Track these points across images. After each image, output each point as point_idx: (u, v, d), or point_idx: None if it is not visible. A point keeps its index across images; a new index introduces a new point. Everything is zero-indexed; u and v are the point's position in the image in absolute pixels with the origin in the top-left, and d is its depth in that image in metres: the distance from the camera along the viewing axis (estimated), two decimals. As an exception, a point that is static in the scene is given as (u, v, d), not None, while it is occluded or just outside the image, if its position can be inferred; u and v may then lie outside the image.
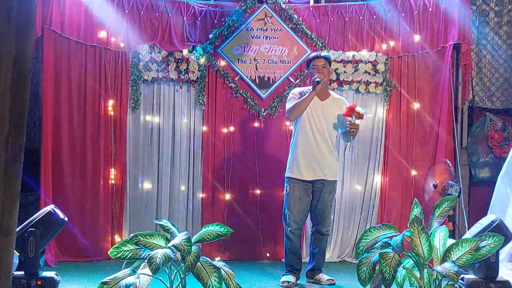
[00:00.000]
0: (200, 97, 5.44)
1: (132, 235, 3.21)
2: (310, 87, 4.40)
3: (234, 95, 5.52)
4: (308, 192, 4.45)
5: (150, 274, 2.98)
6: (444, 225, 3.42)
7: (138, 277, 3.17)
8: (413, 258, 3.26)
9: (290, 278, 4.38)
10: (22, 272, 3.53)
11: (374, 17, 5.56)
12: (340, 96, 4.70)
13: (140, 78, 5.37)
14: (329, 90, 4.65)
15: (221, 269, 3.18)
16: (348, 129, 4.33)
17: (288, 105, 4.46)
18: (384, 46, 5.55)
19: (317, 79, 4.32)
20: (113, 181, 5.31)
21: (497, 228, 3.50)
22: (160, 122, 5.47)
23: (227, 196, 5.47)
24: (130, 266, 3.25)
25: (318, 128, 4.41)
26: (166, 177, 5.45)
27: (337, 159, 4.56)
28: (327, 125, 4.43)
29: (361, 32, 5.57)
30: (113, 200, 5.31)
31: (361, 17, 5.56)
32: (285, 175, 4.51)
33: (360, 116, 4.31)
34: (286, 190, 4.48)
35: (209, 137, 5.47)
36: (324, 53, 4.67)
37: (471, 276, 3.55)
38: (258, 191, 5.47)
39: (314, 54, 4.67)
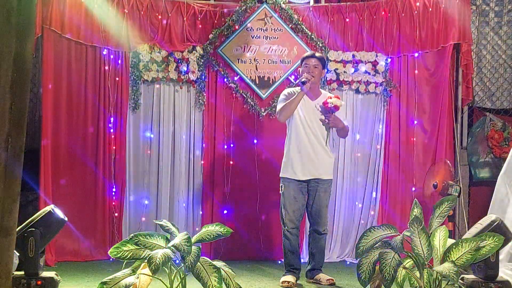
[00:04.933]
0: (200, 97, 5.44)
1: (132, 235, 3.21)
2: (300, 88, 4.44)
3: (234, 95, 5.52)
4: (303, 192, 4.47)
5: (150, 274, 2.98)
6: (444, 225, 3.42)
7: (138, 277, 3.17)
8: (413, 258, 3.26)
9: (290, 278, 4.38)
10: (22, 272, 3.53)
11: (374, 17, 5.56)
12: (331, 95, 4.71)
13: (140, 78, 5.37)
14: (321, 89, 4.67)
15: (221, 269, 3.18)
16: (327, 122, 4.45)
17: (278, 106, 4.51)
18: (384, 46, 5.55)
19: (303, 79, 4.38)
20: (113, 181, 5.31)
21: (497, 228, 3.50)
22: (160, 122, 5.46)
23: (227, 196, 5.46)
24: (130, 266, 3.25)
25: (310, 127, 4.44)
26: (166, 177, 5.45)
27: (332, 157, 4.57)
28: (318, 124, 4.46)
29: (361, 32, 5.57)
30: (113, 199, 5.31)
31: (361, 17, 5.55)
32: (280, 175, 4.53)
33: (336, 108, 4.39)
34: (281, 190, 4.51)
35: (209, 137, 5.47)
36: (318, 53, 4.69)
37: (471, 276, 3.55)
38: (257, 191, 5.47)
39: (308, 53, 4.73)
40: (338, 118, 4.46)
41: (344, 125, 4.54)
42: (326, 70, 5.03)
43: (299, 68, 4.64)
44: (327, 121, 4.43)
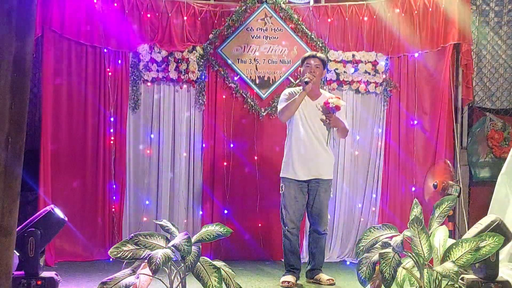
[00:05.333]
0: (200, 97, 5.44)
1: (132, 235, 3.21)
2: (301, 88, 4.44)
3: (234, 95, 5.52)
4: (304, 192, 4.47)
5: (150, 274, 2.99)
6: (444, 225, 3.42)
7: (138, 277, 3.17)
8: (413, 258, 3.26)
9: (290, 278, 4.39)
10: (22, 272, 3.53)
11: (374, 17, 5.56)
12: (331, 95, 4.71)
13: (140, 78, 5.37)
14: (321, 90, 4.68)
15: (221, 269, 3.18)
16: (327, 121, 4.45)
17: (280, 106, 4.52)
18: (384, 46, 5.55)
19: (305, 79, 4.38)
20: (113, 181, 5.30)
21: (497, 228, 3.50)
22: (160, 122, 5.46)
23: (227, 196, 5.46)
24: (130, 266, 3.25)
25: (311, 128, 4.45)
26: (166, 177, 5.45)
27: (332, 157, 4.58)
28: (319, 124, 4.46)
29: (361, 32, 5.57)
30: (113, 199, 5.31)
31: (361, 17, 5.55)
32: (280, 175, 4.54)
33: (337, 108, 4.40)
34: (282, 190, 4.51)
35: (209, 137, 5.47)
36: (319, 54, 4.69)
37: (471, 276, 3.55)
38: (257, 191, 5.47)
39: (309, 53, 4.75)
40: (338, 118, 4.47)
41: (345, 125, 4.55)
42: (326, 70, 5.04)
43: (299, 68, 4.64)
44: (328, 121, 4.44)
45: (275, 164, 5.09)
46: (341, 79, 5.53)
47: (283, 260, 4.61)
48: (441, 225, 3.40)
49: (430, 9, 5.52)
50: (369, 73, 5.55)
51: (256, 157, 5.49)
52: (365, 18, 5.55)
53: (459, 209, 5.49)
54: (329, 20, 5.55)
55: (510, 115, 5.87)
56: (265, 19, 5.54)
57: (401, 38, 5.55)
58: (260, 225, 5.48)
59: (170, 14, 5.41)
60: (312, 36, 5.52)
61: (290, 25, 5.54)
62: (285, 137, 4.66)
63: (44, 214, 3.70)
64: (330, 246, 5.48)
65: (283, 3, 5.53)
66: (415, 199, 3.54)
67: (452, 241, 3.36)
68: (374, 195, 5.60)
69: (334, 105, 4.39)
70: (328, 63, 5.42)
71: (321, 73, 4.56)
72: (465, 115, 5.77)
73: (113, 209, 5.31)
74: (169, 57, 5.40)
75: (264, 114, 5.52)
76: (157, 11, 5.40)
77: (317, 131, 4.46)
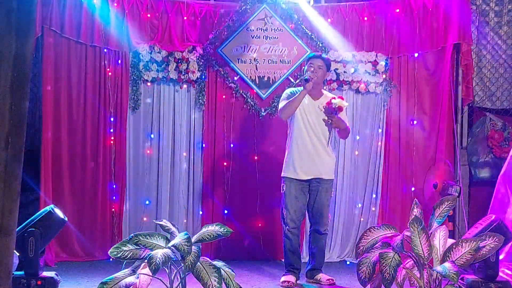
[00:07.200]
0: (200, 97, 5.44)
1: (132, 235, 3.21)
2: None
3: (234, 95, 5.52)
4: (305, 191, 4.48)
5: (150, 274, 2.99)
6: (444, 225, 3.43)
7: (138, 277, 3.17)
8: (413, 258, 3.26)
9: (290, 277, 4.39)
10: (22, 272, 3.53)
11: (374, 17, 5.56)
12: (334, 95, 4.71)
13: (140, 78, 5.37)
14: (323, 90, 4.68)
15: (221, 269, 3.19)
16: (329, 122, 4.44)
17: (281, 105, 4.52)
18: (384, 46, 5.55)
19: (305, 77, 4.38)
20: (113, 181, 5.30)
21: (497, 228, 3.51)
22: (160, 122, 5.46)
23: (227, 196, 5.47)
24: (130, 266, 3.25)
25: (312, 128, 4.45)
26: (166, 177, 5.45)
27: (333, 157, 4.58)
28: (320, 125, 4.46)
29: (361, 32, 5.57)
30: (113, 199, 5.31)
31: (361, 17, 5.55)
32: (281, 175, 4.54)
33: (340, 109, 4.40)
34: (283, 190, 4.51)
35: (209, 137, 5.47)
36: (324, 55, 4.70)
37: (471, 276, 3.56)
38: (258, 191, 5.47)
39: (314, 53, 4.76)
40: (341, 119, 4.45)
41: (347, 125, 4.54)
42: (330, 72, 5.05)
43: (303, 67, 4.64)
44: (330, 121, 4.43)
45: (275, 164, 5.10)
46: (341, 79, 5.53)
47: (283, 260, 4.62)
48: (441, 225, 3.40)
49: (430, 9, 5.51)
50: (369, 73, 5.54)
51: (256, 157, 5.49)
52: (365, 18, 5.54)
53: (459, 209, 5.49)
54: (329, 20, 5.55)
55: (510, 115, 5.87)
56: (265, 19, 5.54)
57: (401, 38, 5.55)
58: (260, 225, 5.48)
59: (170, 14, 5.41)
60: (312, 36, 5.52)
61: (290, 25, 5.54)
62: (285, 137, 4.66)
63: (44, 214, 3.71)
64: (330, 246, 5.48)
65: (283, 3, 5.52)
66: (415, 199, 3.55)
67: (452, 241, 3.36)
68: (374, 195, 5.60)
69: (337, 106, 4.38)
70: (328, 63, 5.42)
71: (324, 74, 4.56)
72: (465, 115, 5.77)
73: (113, 209, 5.31)
74: (169, 57, 5.39)
75: (264, 114, 5.52)
76: (157, 11, 5.40)
77: (319, 131, 4.47)
